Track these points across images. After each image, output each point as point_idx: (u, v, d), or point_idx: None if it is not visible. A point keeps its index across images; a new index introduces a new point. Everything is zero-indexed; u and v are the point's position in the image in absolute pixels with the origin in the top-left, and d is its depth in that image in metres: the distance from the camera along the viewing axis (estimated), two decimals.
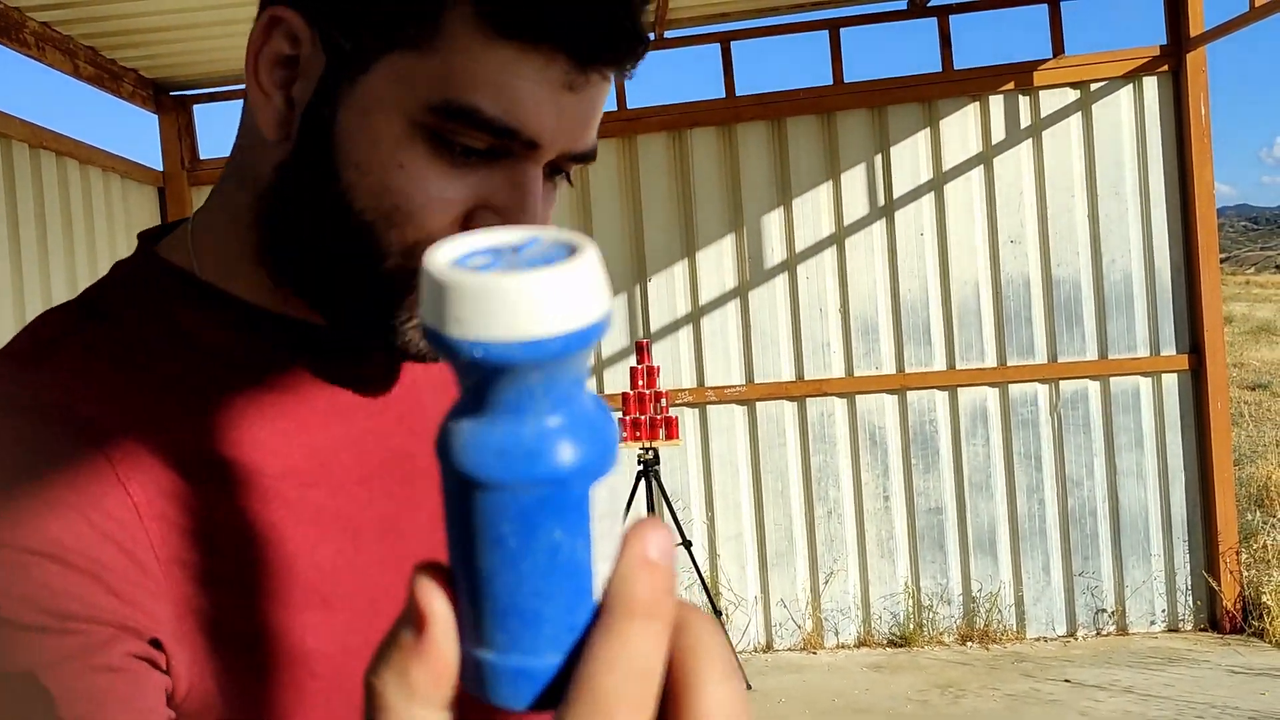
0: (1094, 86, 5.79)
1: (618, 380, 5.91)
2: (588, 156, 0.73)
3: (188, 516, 0.68)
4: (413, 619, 0.33)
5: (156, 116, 6.18)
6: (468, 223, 0.69)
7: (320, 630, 0.72)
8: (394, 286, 0.70)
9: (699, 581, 5.50)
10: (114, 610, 0.62)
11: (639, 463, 5.20)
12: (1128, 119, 5.79)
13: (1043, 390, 5.83)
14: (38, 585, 0.61)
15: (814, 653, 5.89)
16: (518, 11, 0.65)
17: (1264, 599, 5.63)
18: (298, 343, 0.76)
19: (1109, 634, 5.80)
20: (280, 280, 0.74)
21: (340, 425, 0.77)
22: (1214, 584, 5.66)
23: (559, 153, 0.70)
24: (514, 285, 0.32)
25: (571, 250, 0.34)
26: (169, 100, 6.15)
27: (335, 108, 0.68)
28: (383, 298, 0.71)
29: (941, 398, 5.89)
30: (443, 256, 0.34)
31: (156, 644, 0.64)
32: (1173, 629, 5.78)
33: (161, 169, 6.18)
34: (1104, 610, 5.81)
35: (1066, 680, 5.17)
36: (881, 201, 5.93)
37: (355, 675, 0.73)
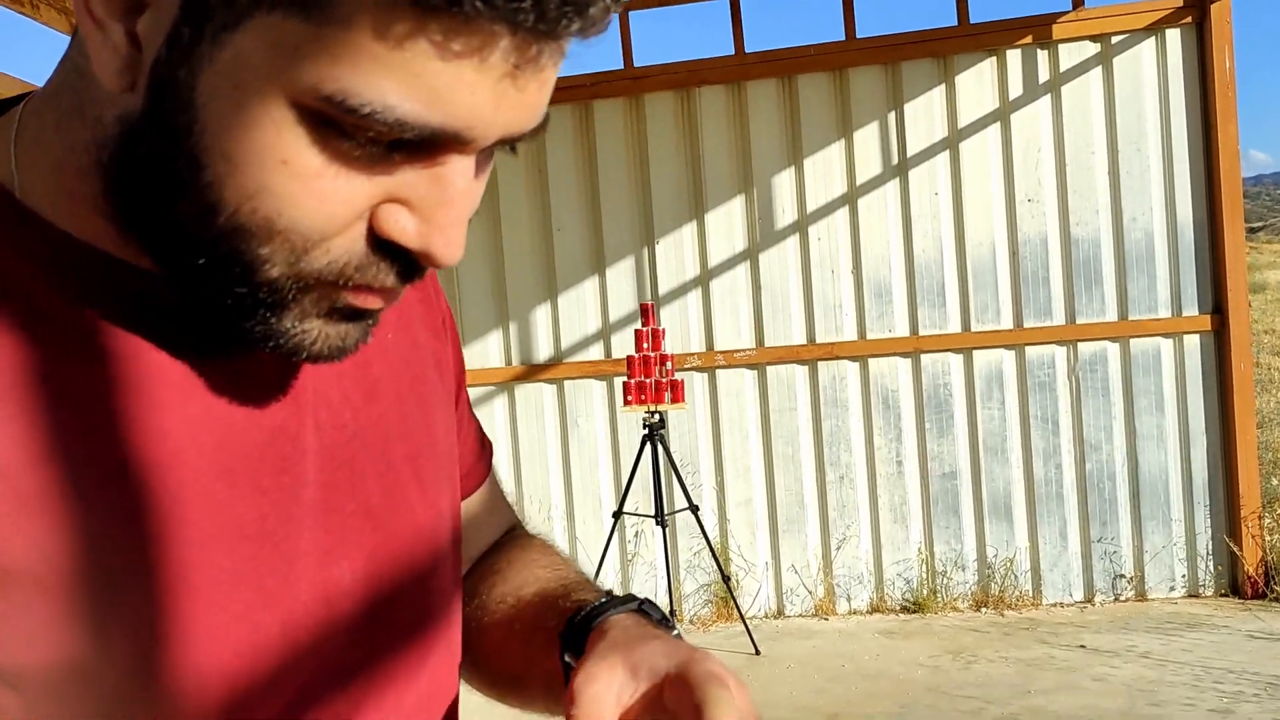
0: (1115, 40, 5.63)
1: (625, 344, 5.83)
2: (537, 132, 0.58)
3: None
4: None
5: None
6: (373, 221, 0.55)
7: (152, 680, 0.58)
8: (278, 293, 0.56)
9: (708, 548, 5.43)
10: None
11: (644, 426, 5.12)
12: (1149, 73, 5.62)
13: (1060, 352, 5.70)
14: None
15: (826, 619, 5.81)
16: None
17: None
18: (146, 299, 0.60)
19: (1127, 600, 5.69)
20: (130, 237, 0.59)
21: (199, 401, 0.62)
22: (1235, 549, 5.54)
23: (497, 139, 0.56)
24: None
25: None
26: None
27: (194, 71, 0.52)
28: (264, 304, 0.57)
29: (956, 360, 5.77)
30: None
31: None
32: (1193, 595, 5.66)
33: None
34: (1122, 576, 5.70)
35: (1082, 646, 5.07)
36: (895, 160, 5.80)
37: None
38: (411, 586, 0.74)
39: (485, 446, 0.98)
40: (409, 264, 0.58)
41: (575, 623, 0.76)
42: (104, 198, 0.58)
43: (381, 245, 0.56)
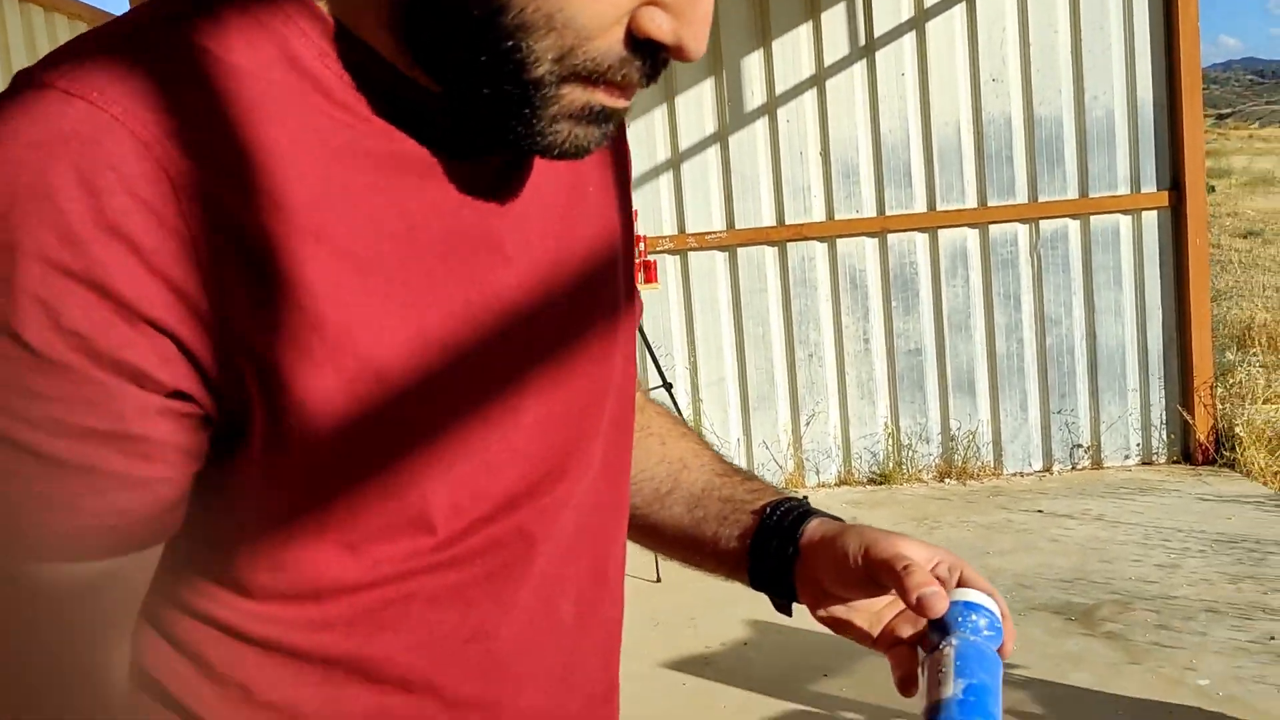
0: None
1: None
2: None
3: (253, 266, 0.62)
4: None
5: None
6: (631, 23, 0.63)
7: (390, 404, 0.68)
8: (542, 90, 0.64)
9: None
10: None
11: None
12: None
13: (1023, 230, 5.84)
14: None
15: (796, 491, 6.03)
16: None
17: (1237, 431, 5.74)
18: (421, 112, 0.69)
19: (1084, 468, 5.93)
20: (409, 53, 0.67)
21: (436, 190, 0.70)
22: (1188, 418, 5.76)
23: None
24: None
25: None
26: None
27: None
28: (529, 102, 0.64)
29: (922, 239, 5.90)
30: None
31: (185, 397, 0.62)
32: (1146, 462, 5.90)
33: None
34: (1079, 445, 5.92)
35: (1039, 511, 5.31)
36: (862, 41, 5.84)
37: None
38: (592, 425, 0.82)
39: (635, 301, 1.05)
40: (655, 64, 0.66)
41: (782, 513, 0.94)
42: (391, 12, 0.65)
43: (636, 45, 0.64)
